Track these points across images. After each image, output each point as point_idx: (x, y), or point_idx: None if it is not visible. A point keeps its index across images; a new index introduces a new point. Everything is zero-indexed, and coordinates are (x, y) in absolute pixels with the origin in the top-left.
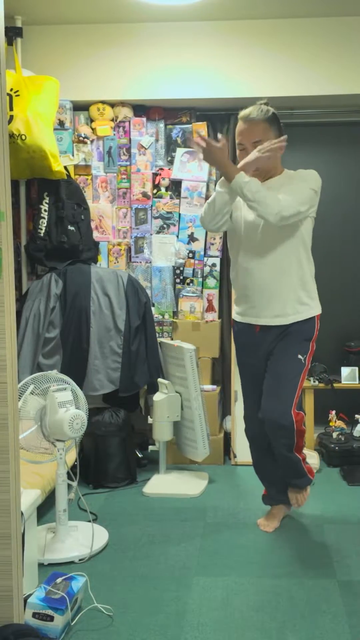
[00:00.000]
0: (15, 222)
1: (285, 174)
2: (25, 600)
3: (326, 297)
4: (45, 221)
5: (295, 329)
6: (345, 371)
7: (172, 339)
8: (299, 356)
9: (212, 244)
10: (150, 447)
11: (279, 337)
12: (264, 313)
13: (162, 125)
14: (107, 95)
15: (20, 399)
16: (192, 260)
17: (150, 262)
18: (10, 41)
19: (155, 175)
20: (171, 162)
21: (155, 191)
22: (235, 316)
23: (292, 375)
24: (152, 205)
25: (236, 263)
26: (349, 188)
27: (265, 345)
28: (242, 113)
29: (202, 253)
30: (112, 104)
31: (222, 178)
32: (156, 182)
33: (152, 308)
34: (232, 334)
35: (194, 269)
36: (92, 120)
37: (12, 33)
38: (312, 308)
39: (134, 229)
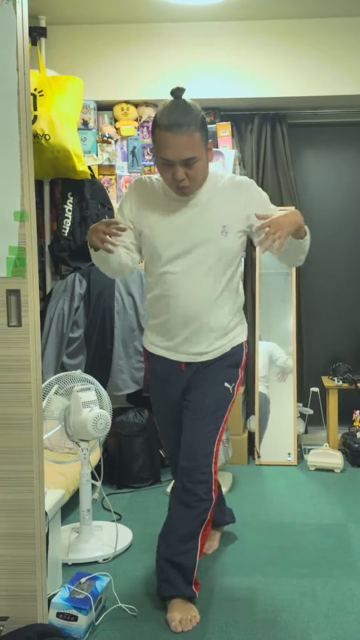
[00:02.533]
0: (39, 222)
1: (217, 178)
2: (49, 600)
3: (350, 298)
4: (69, 221)
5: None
6: None
7: None
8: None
9: None
10: None
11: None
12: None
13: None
14: (130, 95)
15: (44, 399)
16: None
17: None
18: (34, 41)
19: None
20: None
21: None
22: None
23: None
24: None
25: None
26: None
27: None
28: (163, 121)
29: None
30: (136, 104)
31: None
32: None
33: None
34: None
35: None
36: (116, 120)
37: (36, 33)
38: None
39: None
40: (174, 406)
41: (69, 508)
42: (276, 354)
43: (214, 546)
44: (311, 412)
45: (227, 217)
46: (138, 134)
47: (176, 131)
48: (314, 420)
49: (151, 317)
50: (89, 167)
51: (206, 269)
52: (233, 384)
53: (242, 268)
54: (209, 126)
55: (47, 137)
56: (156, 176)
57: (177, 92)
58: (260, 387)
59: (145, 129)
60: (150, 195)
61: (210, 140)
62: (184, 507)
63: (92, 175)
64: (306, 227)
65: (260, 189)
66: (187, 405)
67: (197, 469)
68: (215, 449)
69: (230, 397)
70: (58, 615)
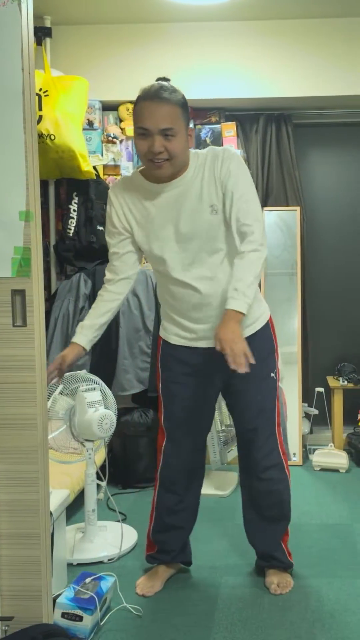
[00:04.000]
0: (44, 222)
1: (195, 161)
2: (54, 600)
3: (354, 298)
4: (74, 221)
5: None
6: None
7: None
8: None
9: None
10: None
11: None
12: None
13: (191, 125)
14: (136, 95)
15: (49, 399)
16: None
17: None
18: (39, 41)
19: None
20: None
21: None
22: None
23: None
24: None
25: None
26: None
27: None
28: (147, 90)
29: None
30: None
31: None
32: None
33: None
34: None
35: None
36: (121, 120)
37: (41, 33)
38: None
39: None
40: (203, 400)
41: (74, 508)
42: None
43: (156, 587)
44: (316, 412)
45: (211, 195)
46: None
47: (157, 101)
48: (319, 420)
49: (166, 309)
50: (94, 167)
51: (205, 252)
52: (275, 371)
53: None
54: (213, 126)
55: (52, 137)
56: (126, 176)
57: (162, 78)
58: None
59: None
60: (132, 194)
61: (191, 127)
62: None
63: (97, 176)
64: (243, 310)
65: (230, 151)
66: (238, 402)
67: (267, 457)
68: (279, 443)
69: (276, 385)
70: (63, 615)
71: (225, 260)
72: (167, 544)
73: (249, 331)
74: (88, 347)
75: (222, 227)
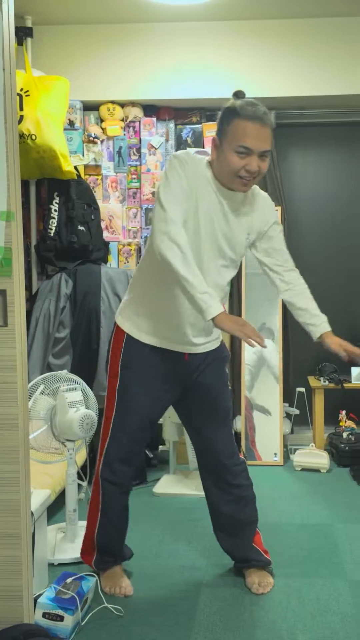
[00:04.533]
0: (26, 222)
1: (251, 194)
2: (35, 600)
3: (337, 298)
4: (55, 221)
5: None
6: (355, 371)
7: None
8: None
9: None
10: (160, 447)
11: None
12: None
13: (172, 125)
14: (117, 95)
15: (30, 399)
16: None
17: None
18: (20, 41)
19: None
20: None
21: None
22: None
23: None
24: None
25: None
26: (358, 188)
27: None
28: (252, 110)
29: None
30: (122, 104)
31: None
32: None
33: None
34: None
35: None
36: (102, 120)
37: (23, 33)
38: None
39: (144, 229)
40: (159, 395)
41: (55, 508)
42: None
43: (127, 589)
44: (297, 412)
45: (252, 225)
46: (124, 134)
47: (262, 123)
48: (300, 420)
49: (151, 305)
50: (75, 167)
51: (224, 267)
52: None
53: None
54: (194, 126)
55: (34, 137)
56: (203, 157)
57: (241, 94)
58: (246, 388)
59: (131, 129)
60: (202, 181)
61: None
62: (234, 503)
63: (78, 176)
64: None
65: (277, 220)
66: (207, 409)
67: (236, 464)
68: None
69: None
70: (44, 615)
71: (227, 275)
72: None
73: (216, 344)
74: None
75: (240, 256)
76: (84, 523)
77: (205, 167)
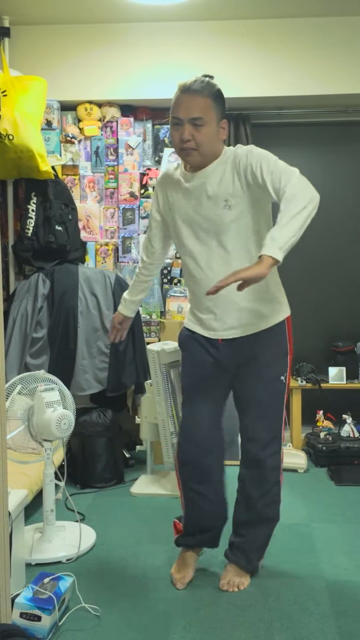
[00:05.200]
0: (3, 222)
1: (224, 155)
2: (12, 600)
3: (314, 298)
4: (32, 221)
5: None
6: (332, 371)
7: (159, 339)
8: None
9: None
10: (138, 447)
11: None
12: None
13: (149, 125)
14: (94, 96)
15: (7, 399)
16: (179, 260)
17: (137, 262)
18: None
19: (142, 175)
20: (159, 162)
21: (142, 191)
22: None
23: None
24: (139, 205)
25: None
26: (337, 188)
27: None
28: (182, 83)
29: None
30: (100, 104)
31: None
32: (144, 182)
33: (140, 308)
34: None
35: (181, 269)
36: (79, 120)
37: (0, 33)
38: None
39: (122, 229)
40: (208, 381)
41: (33, 508)
42: None
43: (187, 577)
44: None
45: (228, 190)
46: (102, 134)
47: (190, 92)
48: None
49: (189, 295)
50: (53, 167)
51: (220, 245)
52: (285, 374)
53: None
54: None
55: (11, 137)
56: (177, 164)
57: (207, 75)
58: None
59: (108, 129)
60: (171, 185)
61: (224, 120)
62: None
63: (56, 175)
64: (277, 252)
65: (257, 151)
66: (243, 400)
67: (264, 466)
68: (280, 446)
69: (285, 389)
70: (21, 615)
71: (231, 258)
72: None
73: (263, 325)
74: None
75: (232, 226)
76: (61, 523)
77: (175, 169)
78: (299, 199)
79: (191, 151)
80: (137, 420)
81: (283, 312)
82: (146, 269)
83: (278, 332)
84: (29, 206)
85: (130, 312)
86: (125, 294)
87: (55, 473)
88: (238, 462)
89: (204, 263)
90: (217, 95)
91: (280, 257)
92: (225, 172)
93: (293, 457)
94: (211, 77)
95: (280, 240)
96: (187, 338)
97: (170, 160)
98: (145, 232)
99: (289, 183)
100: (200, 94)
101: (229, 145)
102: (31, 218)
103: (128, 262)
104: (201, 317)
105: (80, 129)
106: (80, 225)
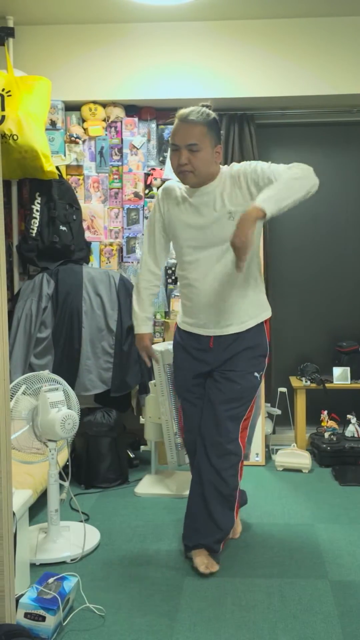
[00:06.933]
0: (7, 222)
1: (223, 175)
2: (17, 601)
3: (318, 299)
4: (37, 221)
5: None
6: (337, 371)
7: (164, 340)
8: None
9: None
10: (142, 447)
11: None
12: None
13: (153, 125)
14: (98, 96)
15: (12, 399)
16: None
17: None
18: (2, 41)
19: (147, 175)
20: (163, 162)
21: (147, 191)
22: None
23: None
24: (144, 206)
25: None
26: (342, 189)
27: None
28: (180, 112)
29: None
30: (104, 104)
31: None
32: (148, 182)
33: None
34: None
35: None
36: (83, 121)
37: (4, 33)
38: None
39: (126, 229)
40: (196, 378)
41: (37, 508)
42: None
43: (239, 530)
44: (279, 412)
45: (231, 203)
46: (106, 134)
47: (186, 121)
48: (281, 420)
49: (182, 299)
50: (57, 168)
51: (220, 256)
52: (260, 373)
53: (261, 254)
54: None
55: (15, 137)
56: (176, 180)
57: (206, 105)
58: None
59: (113, 129)
60: (174, 199)
61: (219, 145)
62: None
63: (60, 176)
64: (265, 208)
65: (251, 162)
66: (215, 386)
67: (222, 444)
68: (240, 433)
69: (258, 385)
70: (26, 615)
71: (230, 263)
72: None
73: (242, 327)
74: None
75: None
76: (65, 523)
77: (176, 185)
78: (296, 170)
79: (188, 173)
80: (142, 420)
81: (265, 314)
82: (157, 279)
83: (259, 331)
84: (33, 206)
85: (150, 327)
86: (138, 313)
87: (60, 473)
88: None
89: (203, 272)
90: (212, 123)
91: (268, 209)
92: (225, 187)
93: (297, 457)
94: (208, 105)
95: (268, 193)
96: (178, 342)
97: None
98: None
99: (289, 166)
100: (196, 123)
101: (232, 146)
102: (35, 218)
103: (132, 262)
104: (193, 320)
105: (85, 129)
106: (84, 225)
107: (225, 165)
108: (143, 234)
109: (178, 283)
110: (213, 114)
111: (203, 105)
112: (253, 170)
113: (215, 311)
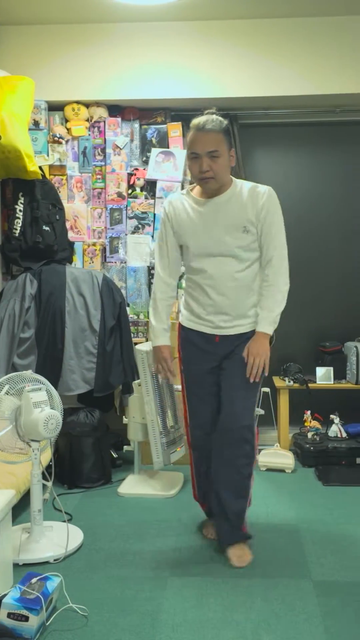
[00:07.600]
0: None
1: (235, 187)
2: (0, 601)
3: (301, 299)
4: (20, 221)
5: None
6: (320, 371)
7: (147, 340)
8: None
9: None
10: (125, 448)
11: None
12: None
13: (137, 125)
14: (82, 96)
15: None
16: None
17: (125, 263)
18: None
19: (130, 175)
20: (146, 162)
21: (130, 191)
22: None
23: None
24: (127, 206)
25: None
26: (325, 188)
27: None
28: (197, 122)
29: None
30: (87, 104)
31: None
32: (131, 182)
33: (127, 308)
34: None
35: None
36: (67, 121)
37: None
38: None
39: (109, 229)
40: (208, 374)
41: (20, 508)
42: None
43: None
44: (262, 412)
45: (247, 217)
46: (89, 134)
47: (204, 130)
48: (265, 420)
49: (188, 299)
50: (40, 168)
51: (229, 263)
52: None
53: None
54: (159, 127)
55: None
56: (179, 193)
57: (204, 110)
58: None
59: (96, 129)
60: (182, 210)
61: (233, 149)
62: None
63: (43, 176)
64: (269, 331)
65: (272, 195)
66: (224, 374)
67: (238, 430)
68: (253, 415)
69: (260, 382)
70: (9, 615)
71: (239, 269)
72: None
73: (247, 328)
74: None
75: (247, 246)
76: (48, 523)
77: (181, 198)
78: (281, 284)
79: (209, 179)
80: (125, 420)
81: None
82: (172, 290)
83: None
84: (16, 206)
85: (168, 339)
86: (155, 325)
87: (43, 473)
88: None
89: (212, 278)
90: (226, 129)
91: (271, 330)
92: (242, 201)
93: (280, 457)
94: (216, 112)
95: (269, 317)
96: (185, 339)
97: (158, 160)
98: (133, 233)
99: (276, 267)
100: (213, 131)
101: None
102: (18, 218)
103: (115, 262)
104: (199, 320)
105: (68, 129)
106: (67, 225)
107: (240, 180)
108: (126, 234)
109: (184, 285)
110: (225, 121)
111: (212, 113)
112: (270, 224)
113: (222, 314)
